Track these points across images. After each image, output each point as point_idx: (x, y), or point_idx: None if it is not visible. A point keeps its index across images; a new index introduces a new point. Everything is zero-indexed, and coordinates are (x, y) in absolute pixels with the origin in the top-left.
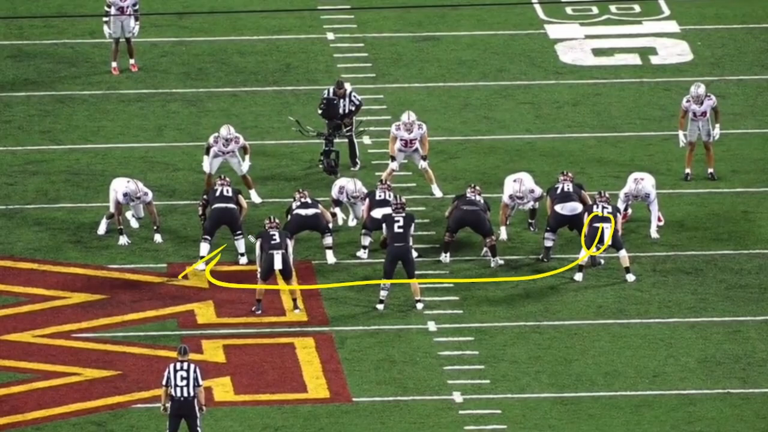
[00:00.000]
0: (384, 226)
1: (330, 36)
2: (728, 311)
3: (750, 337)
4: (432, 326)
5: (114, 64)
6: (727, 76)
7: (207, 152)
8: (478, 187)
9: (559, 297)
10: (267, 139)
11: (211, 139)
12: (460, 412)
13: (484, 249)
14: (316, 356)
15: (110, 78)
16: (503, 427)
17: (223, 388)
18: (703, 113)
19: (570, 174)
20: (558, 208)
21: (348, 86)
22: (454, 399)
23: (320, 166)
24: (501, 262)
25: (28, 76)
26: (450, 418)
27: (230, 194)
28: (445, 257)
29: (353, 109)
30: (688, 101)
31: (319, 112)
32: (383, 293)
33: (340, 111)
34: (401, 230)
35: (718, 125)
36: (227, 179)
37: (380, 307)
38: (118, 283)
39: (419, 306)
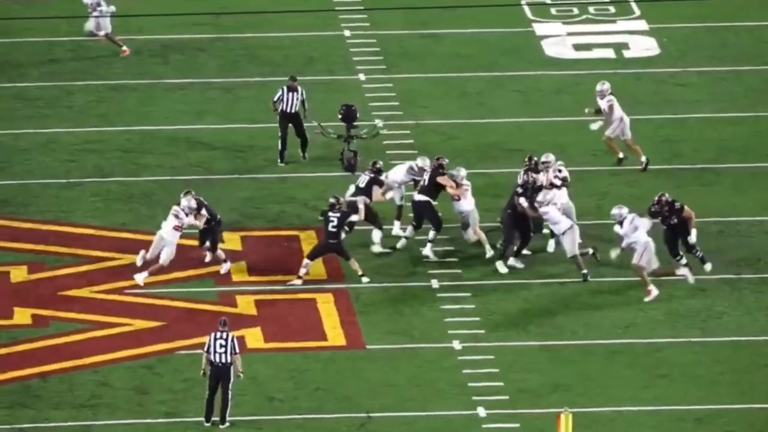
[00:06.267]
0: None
1: (346, 33)
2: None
3: (709, 294)
4: (435, 284)
5: (124, 48)
6: (690, 68)
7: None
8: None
9: (544, 259)
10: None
11: None
12: (459, 357)
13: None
14: (335, 309)
15: (157, 69)
16: (496, 370)
17: (254, 337)
18: (605, 110)
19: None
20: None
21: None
22: (454, 346)
23: (341, 163)
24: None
25: (86, 67)
26: (451, 363)
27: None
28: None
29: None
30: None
31: (339, 116)
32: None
33: (355, 115)
34: (335, 229)
35: (600, 121)
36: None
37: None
38: None
39: (365, 279)
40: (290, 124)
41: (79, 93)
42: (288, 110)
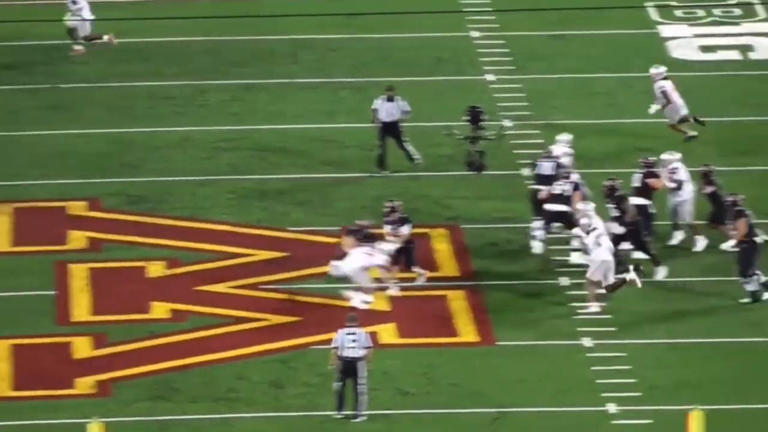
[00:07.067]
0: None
1: (475, 34)
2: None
3: None
4: (564, 281)
5: (106, 37)
6: None
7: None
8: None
9: (673, 260)
10: (420, 122)
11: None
12: (588, 354)
13: None
14: (466, 306)
15: (288, 69)
16: (626, 367)
17: (388, 333)
18: (659, 96)
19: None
20: None
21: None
22: (584, 343)
23: (470, 164)
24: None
25: (219, 66)
26: (580, 360)
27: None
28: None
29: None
30: None
31: (465, 118)
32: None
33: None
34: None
35: (658, 105)
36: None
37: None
38: (298, 242)
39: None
40: (389, 135)
41: (212, 92)
42: (386, 120)
